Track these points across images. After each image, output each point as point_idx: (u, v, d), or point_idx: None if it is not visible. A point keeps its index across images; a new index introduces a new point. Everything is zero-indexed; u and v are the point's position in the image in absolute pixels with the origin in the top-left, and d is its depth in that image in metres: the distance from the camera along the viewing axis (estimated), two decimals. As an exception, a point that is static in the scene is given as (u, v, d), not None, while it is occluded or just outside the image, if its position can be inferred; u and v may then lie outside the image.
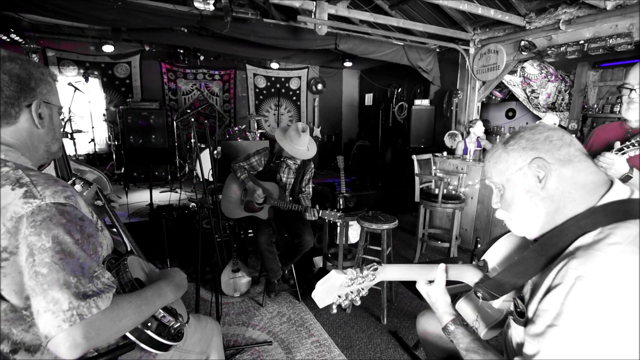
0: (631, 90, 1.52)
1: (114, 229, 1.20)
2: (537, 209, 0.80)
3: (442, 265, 0.99)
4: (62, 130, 0.98)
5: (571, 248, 0.73)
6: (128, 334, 0.91)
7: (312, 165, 2.81)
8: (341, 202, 2.90)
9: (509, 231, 0.97)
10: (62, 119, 1.01)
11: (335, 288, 0.90)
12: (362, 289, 0.94)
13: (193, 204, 4.20)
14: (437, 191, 3.31)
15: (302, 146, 2.56)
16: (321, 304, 0.90)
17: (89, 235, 0.81)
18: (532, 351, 0.71)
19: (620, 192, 0.75)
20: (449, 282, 1.00)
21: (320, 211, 2.42)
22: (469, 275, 1.00)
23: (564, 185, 0.77)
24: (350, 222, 3.21)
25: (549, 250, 0.76)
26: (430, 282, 1.01)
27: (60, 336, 0.70)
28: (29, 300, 0.73)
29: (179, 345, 1.04)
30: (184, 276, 1.13)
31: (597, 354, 0.62)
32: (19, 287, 0.74)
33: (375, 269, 0.95)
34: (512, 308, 0.87)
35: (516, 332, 0.87)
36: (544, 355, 0.68)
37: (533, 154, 0.79)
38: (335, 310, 0.92)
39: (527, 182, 0.80)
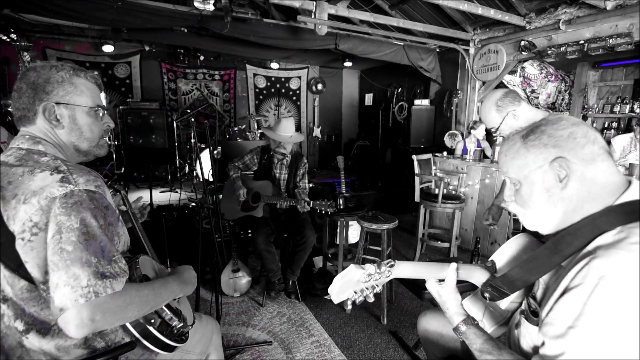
0: (496, 130, 1.66)
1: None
2: (555, 208, 0.77)
3: (454, 265, 0.98)
4: (102, 130, 1.07)
5: (590, 247, 0.71)
6: (132, 330, 0.92)
7: (305, 161, 2.86)
8: (341, 202, 2.90)
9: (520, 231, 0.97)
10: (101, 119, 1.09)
11: (352, 283, 0.89)
12: (377, 286, 0.93)
13: (193, 204, 4.20)
14: (437, 191, 3.30)
15: (285, 132, 2.64)
16: (337, 299, 0.89)
17: (109, 224, 0.88)
18: (554, 352, 0.69)
19: (637, 192, 0.73)
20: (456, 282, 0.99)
21: (312, 202, 2.44)
22: (477, 275, 1.00)
23: (585, 186, 0.74)
24: (350, 222, 3.21)
25: (563, 249, 0.74)
26: (441, 281, 1.00)
27: (72, 312, 0.75)
28: (48, 275, 0.78)
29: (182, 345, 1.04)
30: (193, 274, 1.16)
31: (623, 354, 0.61)
32: (42, 262, 0.81)
33: (392, 265, 0.94)
34: (524, 307, 0.86)
35: (526, 331, 0.86)
36: (568, 356, 0.66)
37: (555, 152, 0.75)
38: (350, 307, 0.91)
39: (547, 181, 0.77)
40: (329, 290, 0.90)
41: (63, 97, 0.95)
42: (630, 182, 0.76)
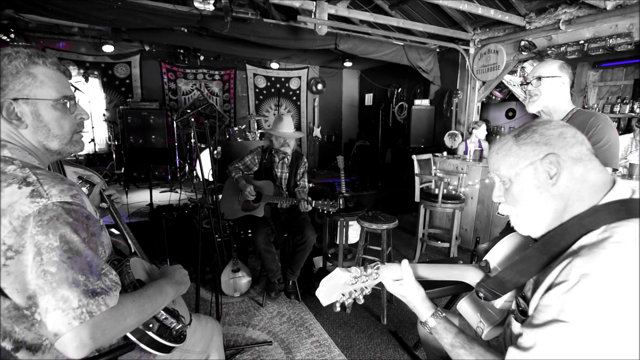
0: (528, 83, 1.68)
1: (116, 230, 1.20)
2: (547, 206, 0.79)
3: (405, 261, 0.98)
4: (74, 124, 0.94)
5: (575, 247, 0.72)
6: (130, 336, 0.91)
7: (305, 160, 2.88)
8: (341, 202, 2.90)
9: (510, 231, 0.97)
10: (73, 109, 0.93)
11: (339, 286, 0.90)
12: (366, 288, 0.94)
13: (193, 203, 4.20)
14: (437, 191, 3.30)
15: (287, 129, 2.68)
16: (325, 301, 0.90)
17: (92, 234, 0.82)
18: (529, 343, 0.70)
19: (622, 192, 0.75)
20: (451, 283, 1.00)
21: (314, 201, 2.45)
22: (471, 275, 1.00)
23: (574, 184, 0.77)
24: (350, 222, 3.21)
25: (551, 249, 0.76)
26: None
27: (68, 336, 0.71)
28: (30, 300, 0.73)
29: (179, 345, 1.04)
30: (184, 272, 1.13)
31: (596, 352, 0.62)
32: (21, 286, 0.74)
33: (378, 268, 0.95)
34: (514, 307, 0.87)
35: (515, 330, 0.87)
36: (541, 348, 0.67)
37: (547, 150, 0.78)
38: (338, 309, 0.91)
39: (538, 178, 0.79)
40: (317, 293, 0.91)
41: (21, 92, 0.83)
42: (615, 181, 0.78)
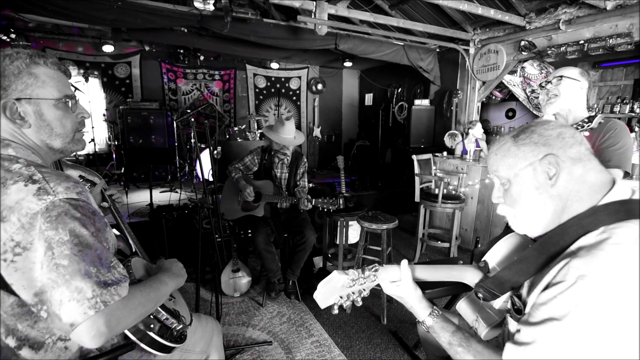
0: (548, 82, 1.72)
1: (116, 231, 1.20)
2: (546, 207, 0.78)
3: (404, 262, 0.99)
4: (76, 122, 0.96)
5: (573, 248, 0.72)
6: (131, 336, 0.91)
7: (305, 160, 2.88)
8: (341, 202, 2.90)
9: (509, 232, 0.97)
10: (74, 109, 0.98)
11: (337, 289, 0.90)
12: (364, 290, 0.94)
13: (193, 203, 4.20)
14: (437, 191, 3.30)
15: (288, 134, 2.64)
16: (323, 304, 0.90)
17: (98, 230, 0.84)
18: (526, 340, 0.70)
19: (621, 192, 0.75)
20: (450, 283, 1.00)
21: (314, 200, 2.45)
22: (470, 276, 1.00)
23: (573, 184, 0.77)
24: (350, 222, 3.21)
25: (550, 249, 0.75)
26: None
27: (85, 325, 0.73)
28: (37, 297, 0.74)
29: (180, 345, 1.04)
30: (180, 265, 1.16)
31: (593, 352, 0.62)
32: (28, 283, 0.75)
33: (377, 270, 0.95)
34: (509, 305, 0.87)
35: (512, 329, 0.87)
36: (538, 346, 0.67)
37: (545, 150, 0.77)
38: (336, 311, 0.91)
39: (537, 179, 0.79)
40: (314, 296, 0.91)
41: (23, 92, 0.84)
42: (614, 182, 0.77)
